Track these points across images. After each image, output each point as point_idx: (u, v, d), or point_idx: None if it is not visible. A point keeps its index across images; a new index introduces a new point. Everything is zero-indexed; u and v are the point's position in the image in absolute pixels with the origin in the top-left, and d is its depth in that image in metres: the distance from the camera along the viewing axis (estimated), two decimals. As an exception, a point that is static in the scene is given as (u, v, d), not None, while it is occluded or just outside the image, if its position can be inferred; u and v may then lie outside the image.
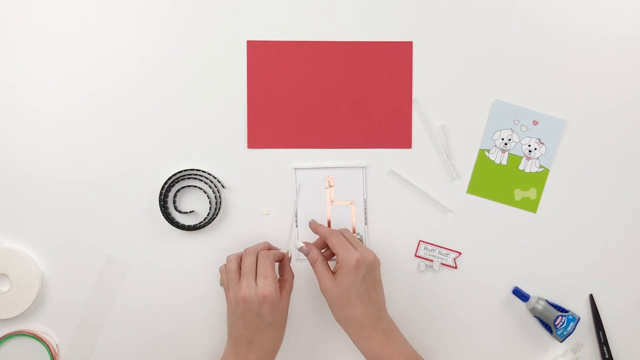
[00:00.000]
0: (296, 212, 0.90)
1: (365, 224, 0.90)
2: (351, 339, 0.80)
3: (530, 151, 0.90)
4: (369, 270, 0.78)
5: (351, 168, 0.90)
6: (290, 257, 0.85)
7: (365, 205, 0.90)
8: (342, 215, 0.90)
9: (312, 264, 0.82)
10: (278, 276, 0.84)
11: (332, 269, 0.80)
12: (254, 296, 0.77)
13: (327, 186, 0.90)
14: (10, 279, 0.87)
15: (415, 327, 0.88)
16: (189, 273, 0.89)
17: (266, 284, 0.77)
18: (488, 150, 0.90)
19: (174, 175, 0.88)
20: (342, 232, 0.83)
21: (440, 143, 0.90)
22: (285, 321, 0.81)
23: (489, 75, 0.90)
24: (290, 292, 0.82)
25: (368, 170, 0.90)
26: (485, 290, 0.91)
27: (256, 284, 0.77)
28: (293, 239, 0.88)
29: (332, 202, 0.90)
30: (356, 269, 0.77)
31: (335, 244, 0.80)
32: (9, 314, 0.87)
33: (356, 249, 0.79)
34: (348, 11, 0.89)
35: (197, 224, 0.88)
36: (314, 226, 0.86)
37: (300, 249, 0.84)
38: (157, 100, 0.89)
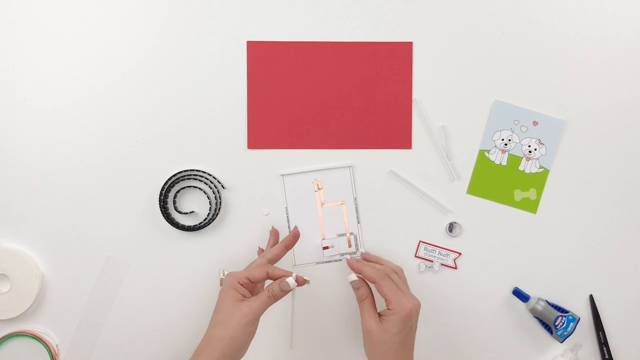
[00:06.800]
0: (288, 217, 0.89)
1: (358, 222, 0.90)
2: None
3: (530, 152, 0.90)
4: (415, 320, 0.79)
5: (338, 169, 0.90)
6: (290, 287, 0.79)
7: (356, 204, 0.90)
8: (334, 217, 0.90)
9: (360, 301, 0.81)
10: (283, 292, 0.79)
11: (377, 310, 0.80)
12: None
13: (316, 189, 0.89)
14: (10, 279, 0.87)
15: (415, 328, 0.88)
16: (189, 273, 0.89)
17: (242, 270, 0.81)
18: (488, 151, 0.90)
19: (174, 175, 0.88)
20: (388, 274, 0.80)
21: (440, 143, 0.90)
22: (239, 329, 0.76)
23: (489, 75, 0.90)
24: (258, 308, 0.77)
25: (366, 170, 0.90)
26: (485, 290, 0.91)
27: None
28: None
29: (322, 204, 0.90)
30: (408, 319, 0.76)
31: (386, 290, 0.78)
32: (9, 314, 0.87)
33: (408, 299, 0.77)
34: (348, 11, 0.89)
35: (197, 225, 0.88)
36: (356, 266, 0.82)
37: (351, 283, 0.82)
38: (157, 100, 0.89)
